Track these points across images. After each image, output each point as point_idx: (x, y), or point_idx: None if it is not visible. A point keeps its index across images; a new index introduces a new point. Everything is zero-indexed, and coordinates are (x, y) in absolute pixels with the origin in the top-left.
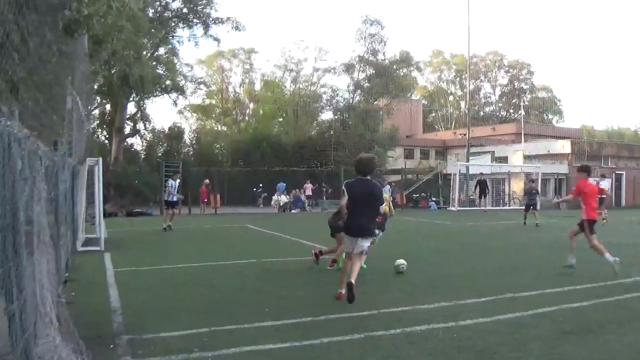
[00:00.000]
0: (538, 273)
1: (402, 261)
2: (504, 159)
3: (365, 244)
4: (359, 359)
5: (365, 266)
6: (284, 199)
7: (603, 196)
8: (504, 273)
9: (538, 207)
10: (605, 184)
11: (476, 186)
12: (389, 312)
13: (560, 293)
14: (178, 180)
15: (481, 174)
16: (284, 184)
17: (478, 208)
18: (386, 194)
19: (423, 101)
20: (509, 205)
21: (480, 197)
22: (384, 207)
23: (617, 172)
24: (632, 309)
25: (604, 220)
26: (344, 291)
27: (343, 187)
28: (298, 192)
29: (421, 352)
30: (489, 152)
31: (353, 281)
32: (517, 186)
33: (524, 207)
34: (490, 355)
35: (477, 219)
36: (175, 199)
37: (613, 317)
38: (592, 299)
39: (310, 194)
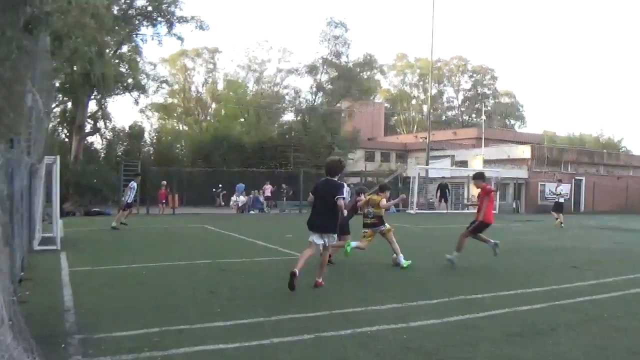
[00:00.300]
0: (491, 275)
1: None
2: (464, 163)
3: (321, 241)
4: (307, 359)
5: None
6: (242, 199)
7: (560, 200)
8: (457, 275)
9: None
10: (564, 189)
11: (438, 189)
12: (341, 312)
13: (512, 295)
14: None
15: (443, 177)
16: (243, 185)
17: (437, 211)
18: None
19: (386, 104)
20: (468, 209)
21: (440, 201)
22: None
23: (576, 177)
24: (584, 312)
25: (561, 225)
26: (320, 279)
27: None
28: (257, 193)
29: (370, 353)
30: (449, 156)
31: (297, 271)
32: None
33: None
34: (438, 356)
35: (435, 222)
36: (130, 200)
37: (564, 320)
38: (544, 302)
39: (270, 195)
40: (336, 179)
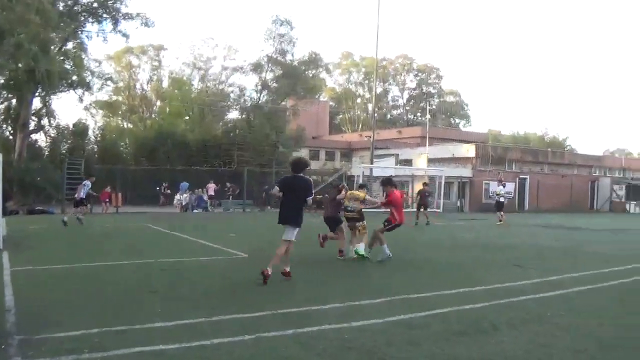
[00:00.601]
0: (434, 274)
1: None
2: (408, 162)
3: (290, 232)
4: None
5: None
6: (186, 198)
7: (501, 200)
8: (400, 274)
9: (431, 207)
10: (507, 189)
11: (417, 196)
12: (283, 312)
13: (455, 294)
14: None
15: (425, 184)
16: (187, 183)
17: (384, 210)
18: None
19: (331, 103)
20: (411, 207)
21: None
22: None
23: (521, 176)
24: (527, 310)
25: (499, 222)
26: (288, 269)
27: (278, 181)
28: (201, 192)
29: (310, 353)
30: (393, 154)
31: (269, 269)
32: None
33: (416, 208)
34: (379, 355)
35: (379, 220)
36: (83, 196)
37: (507, 319)
38: (487, 300)
39: (213, 194)
40: (300, 175)
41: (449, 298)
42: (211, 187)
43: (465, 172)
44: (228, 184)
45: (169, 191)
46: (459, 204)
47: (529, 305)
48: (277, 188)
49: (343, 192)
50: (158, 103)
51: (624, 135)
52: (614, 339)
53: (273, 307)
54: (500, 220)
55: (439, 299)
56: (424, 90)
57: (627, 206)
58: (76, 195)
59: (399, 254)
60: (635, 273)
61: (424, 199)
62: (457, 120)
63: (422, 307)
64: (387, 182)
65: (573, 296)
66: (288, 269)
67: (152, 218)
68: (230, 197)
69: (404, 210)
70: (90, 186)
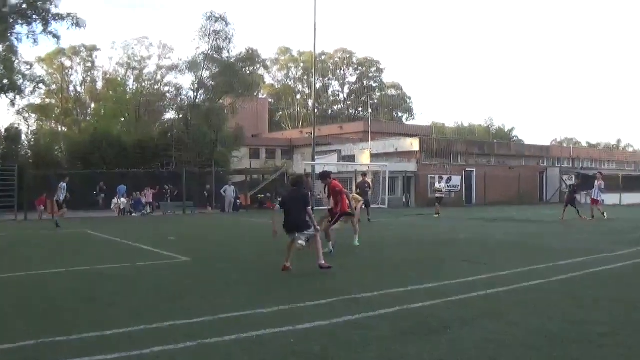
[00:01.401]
0: (381, 272)
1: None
2: (351, 158)
3: (302, 238)
4: None
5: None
6: (124, 202)
7: (437, 195)
8: (345, 273)
9: (375, 203)
10: (455, 182)
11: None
12: (226, 317)
13: (402, 293)
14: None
15: (364, 174)
16: (125, 187)
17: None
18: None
19: (270, 100)
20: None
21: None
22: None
23: (467, 169)
24: (477, 307)
25: (436, 215)
26: (288, 264)
27: (279, 199)
28: (139, 195)
29: (254, 359)
30: (336, 150)
31: (289, 264)
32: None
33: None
34: (326, 358)
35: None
36: (61, 199)
37: (458, 316)
38: (437, 298)
39: (151, 200)
40: (301, 189)
41: (397, 296)
42: (149, 194)
43: (410, 166)
44: (167, 186)
45: (105, 187)
46: (404, 199)
47: (480, 302)
48: (278, 206)
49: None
50: (92, 105)
51: (572, 124)
52: (565, 333)
53: (214, 311)
54: (436, 213)
55: (386, 298)
56: (365, 84)
57: (578, 197)
58: (56, 198)
59: (342, 253)
60: (586, 266)
61: (364, 194)
62: (400, 114)
63: (369, 307)
64: (327, 175)
65: (523, 291)
66: (289, 265)
67: (90, 223)
68: (169, 199)
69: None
70: (66, 188)
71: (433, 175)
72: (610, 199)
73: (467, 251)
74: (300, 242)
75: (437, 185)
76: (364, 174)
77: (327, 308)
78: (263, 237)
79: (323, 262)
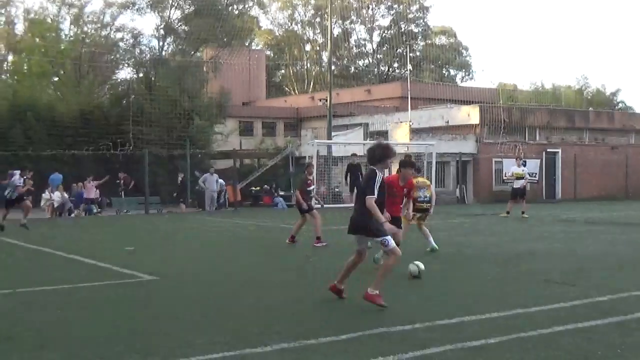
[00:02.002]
0: (423, 295)
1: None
2: (383, 135)
3: (361, 245)
4: None
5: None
6: (59, 196)
7: (516, 186)
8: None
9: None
10: (532, 169)
11: (347, 173)
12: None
13: (452, 326)
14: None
15: (354, 154)
16: (61, 176)
17: (347, 205)
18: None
19: (268, 52)
20: None
21: (352, 190)
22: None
23: (549, 149)
24: (566, 349)
25: (506, 214)
26: (341, 286)
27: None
28: (81, 187)
29: None
30: (361, 124)
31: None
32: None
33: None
34: None
35: (344, 219)
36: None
37: None
38: (505, 333)
39: (98, 196)
40: (375, 167)
41: (445, 330)
42: (92, 189)
43: (467, 146)
44: (120, 174)
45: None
46: (458, 192)
47: (568, 339)
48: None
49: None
50: (10, 58)
51: None
52: None
53: (188, 353)
54: (508, 212)
55: (432, 331)
56: (403, 30)
57: None
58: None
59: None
60: None
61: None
62: (453, 73)
63: (407, 345)
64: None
65: (635, 326)
66: (341, 287)
67: (11, 227)
68: (123, 192)
69: None
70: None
71: (499, 159)
72: None
73: (550, 268)
74: (359, 246)
75: (513, 170)
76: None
77: (349, 346)
78: (259, 247)
79: (377, 292)
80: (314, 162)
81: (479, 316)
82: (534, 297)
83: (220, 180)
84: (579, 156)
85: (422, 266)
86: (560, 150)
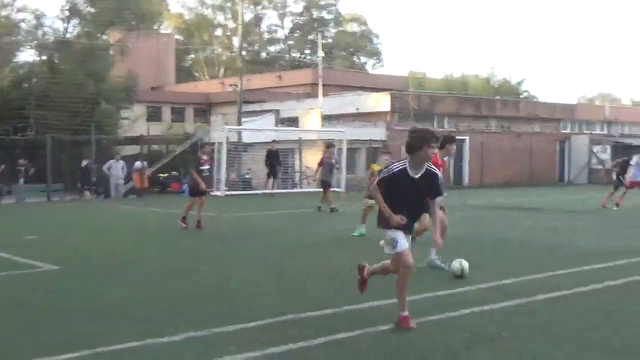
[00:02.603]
0: (331, 283)
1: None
2: (294, 121)
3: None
4: None
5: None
6: None
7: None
8: (277, 284)
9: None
10: None
11: (267, 160)
12: (107, 351)
13: (365, 311)
14: None
15: (273, 141)
16: None
17: (265, 191)
18: None
19: (177, 37)
20: (301, 187)
21: (271, 176)
22: None
23: (457, 137)
24: (472, 330)
25: None
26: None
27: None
28: None
29: None
30: (272, 110)
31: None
32: (313, 159)
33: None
34: None
35: (255, 206)
36: None
37: (443, 342)
38: (415, 316)
39: None
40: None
41: (354, 316)
42: None
43: (377, 133)
44: (20, 161)
45: None
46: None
47: (474, 321)
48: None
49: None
50: None
51: (608, 76)
52: None
53: (92, 344)
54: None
55: (342, 317)
56: (315, 17)
57: (614, 175)
58: None
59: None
60: (630, 271)
61: (329, 174)
62: (364, 60)
63: (322, 330)
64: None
65: (538, 308)
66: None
67: None
68: (24, 179)
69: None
70: None
71: None
72: None
73: (455, 252)
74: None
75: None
76: (330, 145)
77: (259, 333)
78: (164, 235)
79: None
80: (224, 148)
81: (387, 301)
82: (442, 281)
83: (138, 163)
84: (485, 143)
85: (466, 265)
86: (467, 138)
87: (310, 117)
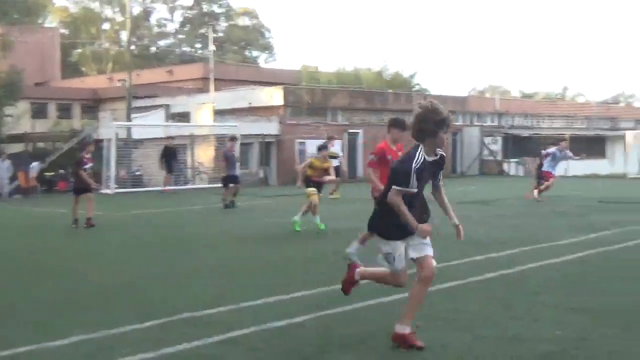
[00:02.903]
0: (222, 280)
1: None
2: (185, 116)
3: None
4: None
5: None
6: None
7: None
8: (170, 282)
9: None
10: (336, 148)
11: (163, 156)
12: None
13: (260, 307)
14: None
15: (170, 137)
16: None
17: (165, 188)
18: None
19: (63, 31)
20: (195, 183)
21: (169, 172)
22: None
23: (350, 130)
24: (365, 323)
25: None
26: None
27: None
28: None
29: None
30: (162, 106)
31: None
32: (205, 155)
33: (222, 183)
34: None
35: (149, 203)
36: None
37: (314, 345)
38: (306, 312)
39: None
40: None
41: (250, 312)
42: None
43: (270, 127)
44: None
45: None
46: (262, 174)
47: (370, 314)
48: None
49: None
50: None
51: (499, 70)
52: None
53: None
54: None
55: (238, 314)
56: (206, 10)
57: (505, 166)
58: None
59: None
60: (519, 260)
61: (232, 166)
62: (256, 54)
63: (217, 328)
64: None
65: (436, 299)
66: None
67: None
68: None
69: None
70: None
71: (303, 140)
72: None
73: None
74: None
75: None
76: (233, 138)
77: (154, 332)
78: (57, 234)
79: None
80: (113, 145)
81: (283, 296)
82: (338, 275)
83: (36, 164)
84: (379, 137)
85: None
86: (361, 131)
87: (202, 112)
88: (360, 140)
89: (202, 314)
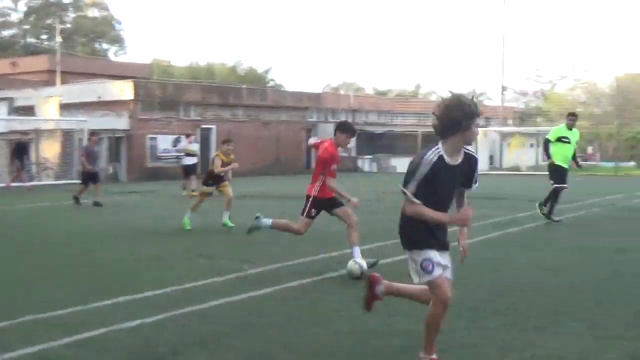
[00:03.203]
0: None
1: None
2: (29, 110)
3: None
4: None
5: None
6: None
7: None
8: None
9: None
10: (195, 147)
11: (14, 152)
12: None
13: (111, 306)
14: None
15: (23, 132)
16: None
17: (21, 184)
18: None
19: None
20: (41, 179)
21: (22, 168)
22: None
23: (204, 126)
24: (221, 322)
25: (193, 192)
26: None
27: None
28: None
29: None
30: (6, 99)
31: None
32: (51, 150)
33: (81, 179)
34: None
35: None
36: None
37: (190, 338)
38: (163, 311)
39: None
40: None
41: (99, 313)
42: None
43: (120, 122)
44: None
45: None
46: (112, 169)
47: (227, 311)
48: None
49: None
50: None
51: (353, 67)
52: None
53: None
54: (193, 190)
55: (86, 315)
56: (52, 0)
57: (359, 163)
58: None
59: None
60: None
61: (92, 161)
62: (105, 47)
63: (65, 331)
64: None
65: (289, 295)
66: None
67: None
68: None
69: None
70: None
71: (154, 135)
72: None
73: (204, 242)
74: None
75: (184, 146)
76: (94, 133)
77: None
78: None
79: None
80: None
81: (135, 296)
82: (189, 273)
83: None
84: (233, 132)
85: (364, 263)
86: (215, 127)
87: (48, 105)
88: (212, 137)
89: (48, 315)
